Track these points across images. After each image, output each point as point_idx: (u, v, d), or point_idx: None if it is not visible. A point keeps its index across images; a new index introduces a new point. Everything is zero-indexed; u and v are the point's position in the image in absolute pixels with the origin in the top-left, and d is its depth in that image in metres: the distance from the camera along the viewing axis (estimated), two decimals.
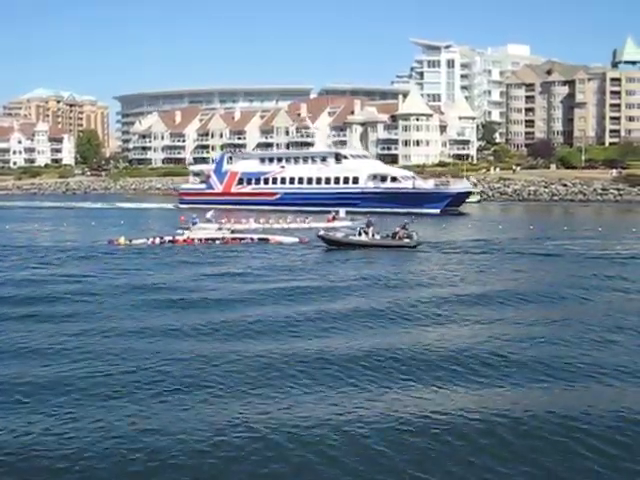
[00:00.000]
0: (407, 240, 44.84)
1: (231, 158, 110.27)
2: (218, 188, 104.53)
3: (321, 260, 40.78)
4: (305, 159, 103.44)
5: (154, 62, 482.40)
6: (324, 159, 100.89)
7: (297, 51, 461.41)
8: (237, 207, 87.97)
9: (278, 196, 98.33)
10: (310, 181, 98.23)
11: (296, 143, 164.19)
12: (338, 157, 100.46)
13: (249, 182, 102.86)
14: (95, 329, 21.89)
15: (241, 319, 23.43)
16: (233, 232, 52.47)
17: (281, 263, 38.66)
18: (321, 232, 47.65)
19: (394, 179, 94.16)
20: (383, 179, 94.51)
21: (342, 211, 64.59)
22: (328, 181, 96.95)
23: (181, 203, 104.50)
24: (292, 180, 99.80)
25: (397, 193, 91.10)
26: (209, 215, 60.55)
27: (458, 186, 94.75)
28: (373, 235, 45.74)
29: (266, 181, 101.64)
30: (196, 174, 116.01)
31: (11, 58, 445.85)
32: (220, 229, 52.89)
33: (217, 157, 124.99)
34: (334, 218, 50.43)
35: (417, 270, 36.64)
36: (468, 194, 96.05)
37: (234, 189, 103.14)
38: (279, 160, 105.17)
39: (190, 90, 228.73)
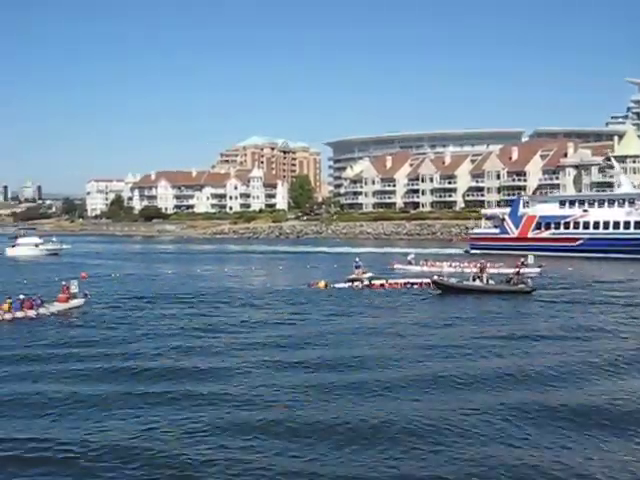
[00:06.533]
0: (522, 285, 44.48)
1: (527, 202, 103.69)
2: (513, 233, 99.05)
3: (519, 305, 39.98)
4: (611, 202, 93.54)
5: (365, 108, 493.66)
6: (632, 201, 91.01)
7: (508, 94, 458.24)
8: (534, 253, 78.15)
9: (581, 242, 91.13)
10: (617, 225, 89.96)
11: (546, 185, 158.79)
12: None
13: (548, 227, 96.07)
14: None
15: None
16: (372, 279, 51.58)
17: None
18: (435, 277, 47.68)
19: None
20: None
21: (530, 257, 62.82)
22: (638, 225, 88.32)
23: (472, 248, 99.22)
24: (596, 224, 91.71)
25: None
26: (410, 257, 61.06)
27: None
28: (487, 281, 45.34)
29: (567, 225, 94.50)
30: (489, 218, 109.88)
31: (230, 109, 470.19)
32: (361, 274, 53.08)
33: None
34: (523, 264, 49.66)
35: None
36: None
37: (531, 234, 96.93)
38: (581, 203, 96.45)
39: (400, 135, 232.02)
